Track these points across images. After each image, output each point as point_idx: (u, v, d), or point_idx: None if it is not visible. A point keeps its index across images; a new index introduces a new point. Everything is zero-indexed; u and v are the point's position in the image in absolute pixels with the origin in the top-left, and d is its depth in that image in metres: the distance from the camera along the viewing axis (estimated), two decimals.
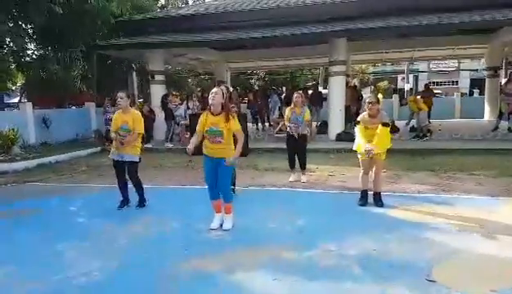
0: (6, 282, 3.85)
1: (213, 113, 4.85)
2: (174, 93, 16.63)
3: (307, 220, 5.33)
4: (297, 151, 7.61)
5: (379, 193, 5.90)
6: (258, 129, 16.70)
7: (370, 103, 5.65)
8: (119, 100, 5.91)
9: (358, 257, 4.08)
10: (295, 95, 7.55)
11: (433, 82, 37.40)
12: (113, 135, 5.95)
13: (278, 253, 4.25)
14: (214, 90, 4.88)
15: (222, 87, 5.08)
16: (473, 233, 4.65)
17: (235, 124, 4.83)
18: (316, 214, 5.63)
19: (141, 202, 6.19)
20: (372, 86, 35.27)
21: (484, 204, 5.80)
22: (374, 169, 5.83)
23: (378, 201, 5.86)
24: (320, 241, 4.55)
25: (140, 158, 6.06)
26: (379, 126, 5.55)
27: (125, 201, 6.22)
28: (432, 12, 11.81)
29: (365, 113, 5.80)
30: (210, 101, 4.84)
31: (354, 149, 5.94)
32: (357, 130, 5.85)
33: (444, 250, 4.22)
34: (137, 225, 5.40)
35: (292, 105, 7.45)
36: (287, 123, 7.52)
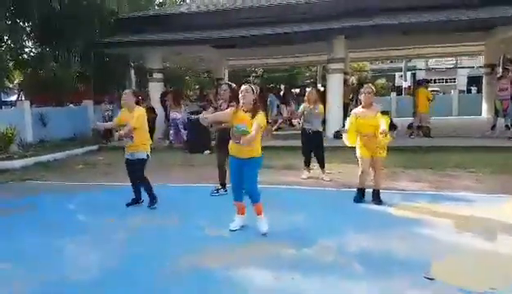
0: (4, 279, 3.84)
1: (243, 110, 4.68)
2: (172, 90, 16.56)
3: (305, 218, 5.35)
4: (313, 149, 7.57)
5: (379, 190, 5.92)
6: None
7: (367, 92, 5.74)
8: (123, 96, 5.95)
9: (357, 255, 4.09)
10: (309, 91, 7.62)
11: (431, 80, 37.39)
12: (116, 134, 5.98)
13: (277, 251, 4.25)
14: (244, 88, 4.70)
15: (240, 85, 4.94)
16: (472, 231, 4.66)
17: (261, 120, 4.61)
18: (314, 212, 5.64)
19: (151, 202, 6.04)
20: (369, 84, 35.34)
21: (483, 201, 5.82)
22: (374, 167, 5.84)
23: (376, 198, 5.87)
24: (318, 238, 4.55)
25: (148, 155, 6.03)
26: (378, 113, 5.62)
27: (136, 200, 6.19)
28: (429, 10, 11.82)
29: (359, 107, 5.86)
30: (241, 100, 4.67)
31: (346, 143, 6.02)
32: (348, 120, 5.94)
33: (443, 247, 4.23)
34: (137, 223, 5.39)
35: (306, 102, 7.45)
36: (299, 120, 7.57)
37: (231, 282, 3.64)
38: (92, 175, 8.84)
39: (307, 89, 8.97)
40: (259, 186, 6.79)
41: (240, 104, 4.72)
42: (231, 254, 4.23)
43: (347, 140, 6.01)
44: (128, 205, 6.12)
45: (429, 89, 14.63)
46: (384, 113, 5.69)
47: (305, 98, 7.57)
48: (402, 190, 6.63)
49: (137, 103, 6.09)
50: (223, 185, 6.58)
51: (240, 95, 4.74)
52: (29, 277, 3.85)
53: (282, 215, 5.48)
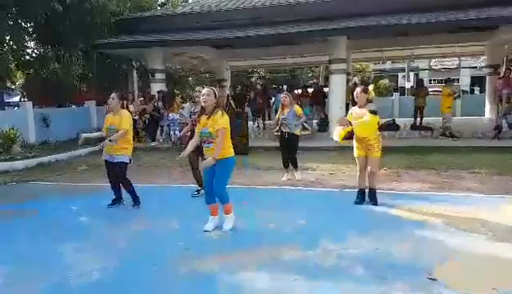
0: (5, 282, 3.83)
1: (205, 114, 4.74)
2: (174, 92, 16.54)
3: (307, 220, 5.31)
4: (287, 149, 7.64)
5: (374, 190, 5.84)
6: (258, 127, 16.66)
7: (357, 92, 5.75)
8: (109, 100, 5.95)
9: (359, 257, 4.06)
10: (282, 95, 7.79)
11: (434, 80, 37.42)
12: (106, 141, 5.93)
13: (278, 253, 4.22)
14: (205, 91, 4.72)
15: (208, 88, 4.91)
16: (475, 232, 4.62)
17: (218, 121, 4.61)
18: (316, 213, 5.61)
19: (135, 202, 6.08)
20: (372, 85, 35.27)
21: (486, 203, 5.78)
22: (369, 165, 5.77)
23: (372, 198, 5.80)
24: (320, 240, 4.52)
25: (130, 159, 6.01)
26: (367, 112, 5.58)
27: (117, 200, 6.21)
28: (431, 10, 11.79)
29: (356, 106, 5.85)
30: (202, 103, 4.72)
31: (335, 138, 6.06)
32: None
33: (446, 249, 4.20)
34: (136, 225, 5.38)
35: (280, 108, 7.62)
36: (278, 123, 7.67)
37: (230, 283, 3.62)
38: (95, 176, 8.81)
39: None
40: (262, 187, 6.81)
41: (202, 107, 4.78)
42: (231, 256, 4.21)
43: (336, 135, 5.98)
44: (109, 206, 6.14)
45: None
46: (372, 112, 5.60)
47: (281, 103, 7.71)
48: (405, 191, 6.60)
49: (122, 106, 6.08)
50: (201, 186, 6.55)
51: (200, 99, 4.77)
52: (28, 278, 3.84)
53: (284, 216, 5.46)
